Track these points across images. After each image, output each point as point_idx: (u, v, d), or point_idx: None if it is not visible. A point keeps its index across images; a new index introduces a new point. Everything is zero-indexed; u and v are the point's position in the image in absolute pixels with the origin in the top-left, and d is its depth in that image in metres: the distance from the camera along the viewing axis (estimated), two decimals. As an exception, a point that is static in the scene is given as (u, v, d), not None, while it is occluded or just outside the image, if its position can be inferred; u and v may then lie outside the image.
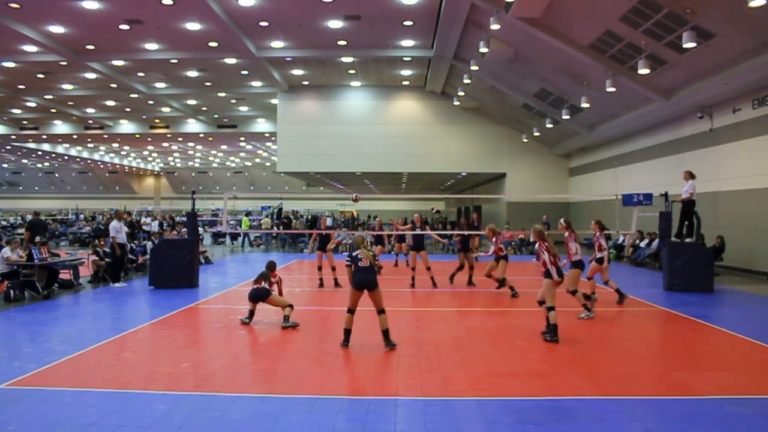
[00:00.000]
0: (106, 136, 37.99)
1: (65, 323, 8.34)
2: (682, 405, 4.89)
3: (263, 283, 8.30)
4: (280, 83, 24.77)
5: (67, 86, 26.22)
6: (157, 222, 22.91)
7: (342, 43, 19.60)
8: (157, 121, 34.96)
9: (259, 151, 48.39)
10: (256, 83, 25.76)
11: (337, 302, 10.00)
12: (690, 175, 12.42)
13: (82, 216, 39.22)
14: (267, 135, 36.06)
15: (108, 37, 18.95)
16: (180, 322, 8.37)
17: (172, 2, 15.51)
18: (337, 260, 11.58)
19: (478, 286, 12.07)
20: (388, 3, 15.99)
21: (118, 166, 58.76)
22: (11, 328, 8.02)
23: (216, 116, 33.80)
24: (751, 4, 10.62)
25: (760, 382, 5.58)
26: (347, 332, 6.74)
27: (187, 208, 14.06)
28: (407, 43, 19.86)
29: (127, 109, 31.66)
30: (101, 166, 58.49)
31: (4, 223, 35.12)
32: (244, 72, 23.55)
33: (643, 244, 17.54)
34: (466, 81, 20.46)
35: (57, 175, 65.67)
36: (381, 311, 6.69)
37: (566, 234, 9.18)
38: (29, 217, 22.16)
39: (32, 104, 29.80)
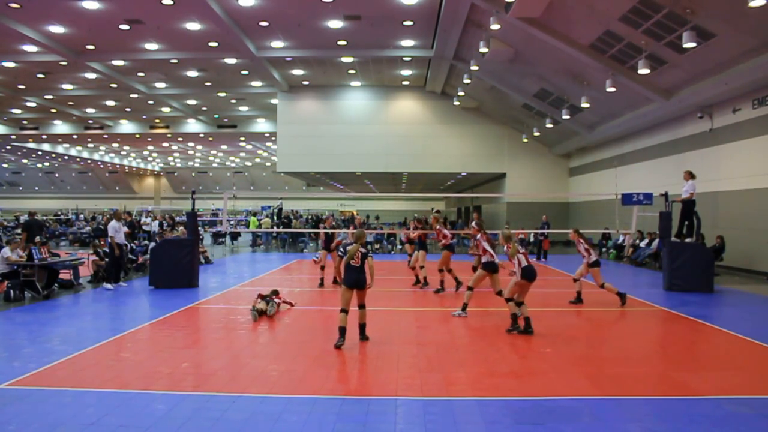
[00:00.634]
0: (106, 136, 38.00)
1: (65, 323, 8.34)
2: (682, 405, 4.89)
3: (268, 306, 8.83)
4: (280, 83, 24.77)
5: (67, 86, 26.22)
6: (157, 222, 22.89)
7: (342, 43, 19.59)
8: (157, 121, 34.97)
9: (259, 151, 48.40)
10: (256, 83, 25.76)
11: (337, 302, 9.97)
12: (690, 175, 12.43)
13: (82, 216, 39.19)
14: (267, 135, 36.06)
15: (108, 37, 18.95)
16: (180, 322, 8.37)
17: (172, 2, 15.51)
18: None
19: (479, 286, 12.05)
20: (388, 3, 15.99)
21: (118, 166, 58.79)
22: (11, 328, 8.02)
23: (216, 116, 33.81)
24: (751, 4, 10.62)
25: (760, 382, 5.58)
26: (342, 330, 6.85)
27: (187, 208, 14.06)
28: (407, 43, 19.86)
29: (127, 109, 31.66)
30: (101, 166, 58.51)
31: (4, 223, 35.13)
32: (244, 72, 23.55)
33: (643, 244, 17.55)
34: (466, 81, 20.45)
35: (57, 175, 65.70)
36: (361, 306, 7.13)
37: (576, 240, 10.07)
38: (24, 217, 22.12)
39: (32, 104, 29.80)
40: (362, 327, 7.18)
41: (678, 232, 12.67)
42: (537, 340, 7.24)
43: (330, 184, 44.09)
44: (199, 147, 47.00)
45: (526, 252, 7.91)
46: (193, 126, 35.01)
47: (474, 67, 18.55)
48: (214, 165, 62.22)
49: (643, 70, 14.11)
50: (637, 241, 18.00)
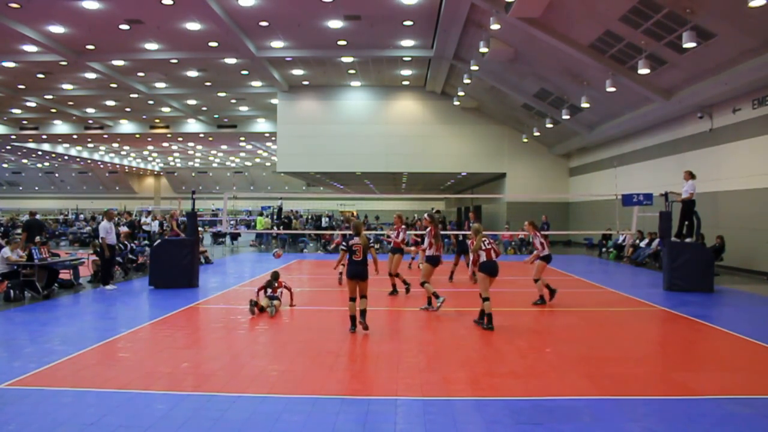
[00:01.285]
0: (106, 136, 37.99)
1: (65, 323, 8.34)
2: (682, 405, 4.89)
3: (268, 291, 9.10)
4: (280, 83, 24.77)
5: (67, 86, 26.22)
6: (157, 222, 22.88)
7: (342, 43, 19.59)
8: (157, 121, 34.96)
9: (259, 151, 48.39)
10: (256, 83, 25.76)
11: (338, 302, 9.99)
12: (690, 175, 12.42)
13: (81, 216, 39.17)
14: (267, 135, 36.05)
15: (108, 37, 18.95)
16: (180, 322, 8.37)
17: (172, 2, 15.50)
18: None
19: (477, 286, 12.03)
20: (388, 3, 15.98)
21: (118, 166, 58.76)
22: (11, 328, 8.02)
23: (216, 116, 33.80)
24: (751, 4, 10.62)
25: (760, 382, 5.58)
26: (353, 318, 7.62)
27: (187, 208, 14.06)
28: (407, 43, 19.85)
29: (127, 109, 31.66)
30: (101, 166, 58.48)
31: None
32: (244, 72, 23.55)
33: (643, 244, 17.55)
34: (466, 81, 20.45)
35: (57, 175, 65.67)
36: (363, 296, 7.68)
37: (532, 233, 10.00)
38: (25, 217, 22.07)
39: (32, 104, 29.79)
40: (362, 312, 7.69)
41: (678, 232, 12.67)
42: (537, 340, 7.24)
43: (330, 184, 44.07)
44: (199, 147, 46.98)
45: (490, 249, 8.07)
46: (193, 126, 35.00)
47: (474, 67, 18.56)
48: (214, 165, 62.19)
49: (643, 70, 14.11)
50: (637, 241, 18.00)
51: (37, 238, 13.78)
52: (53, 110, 31.22)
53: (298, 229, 26.88)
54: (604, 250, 20.51)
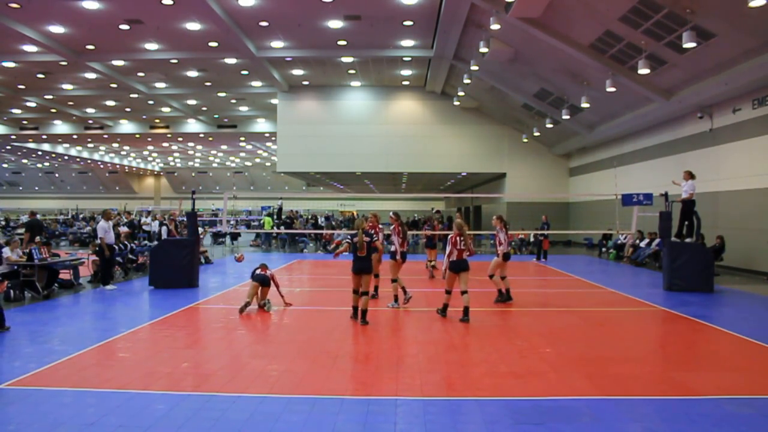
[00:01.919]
0: (106, 136, 38.00)
1: (65, 323, 8.34)
2: (682, 405, 4.89)
3: (267, 271, 9.52)
4: (280, 83, 24.77)
5: (67, 86, 26.22)
6: (157, 222, 22.86)
7: (342, 43, 19.59)
8: (157, 121, 34.96)
9: (259, 151, 48.39)
10: (256, 83, 25.76)
11: (338, 302, 9.99)
12: (690, 175, 12.43)
13: (81, 216, 39.17)
14: (267, 135, 36.06)
15: (108, 37, 18.95)
16: (180, 322, 8.37)
17: (172, 2, 15.51)
18: (346, 260, 11.55)
19: (478, 286, 12.04)
20: (388, 3, 15.99)
21: (118, 166, 58.77)
22: (11, 328, 8.02)
23: (216, 116, 33.80)
24: (751, 4, 10.62)
25: (760, 382, 5.58)
26: (355, 308, 8.16)
27: (187, 208, 14.06)
28: (407, 43, 19.86)
29: (127, 109, 31.66)
30: (101, 166, 58.50)
31: (2, 222, 35.11)
32: (244, 72, 23.55)
33: (643, 244, 17.55)
34: (466, 81, 20.46)
35: (57, 175, 65.68)
36: (364, 293, 8.05)
37: (499, 227, 10.11)
38: (24, 218, 22.09)
39: (32, 104, 29.80)
40: (363, 313, 8.03)
41: (678, 232, 12.68)
42: (537, 340, 7.23)
43: (330, 184, 44.08)
44: (199, 147, 46.98)
45: (464, 250, 8.38)
46: (193, 126, 35.01)
47: (474, 67, 18.56)
48: (214, 165, 62.20)
49: (643, 70, 14.11)
50: (637, 241, 18.00)
51: (38, 238, 13.78)
52: (53, 110, 31.22)
53: (299, 229, 26.87)
54: (604, 250, 20.51)
